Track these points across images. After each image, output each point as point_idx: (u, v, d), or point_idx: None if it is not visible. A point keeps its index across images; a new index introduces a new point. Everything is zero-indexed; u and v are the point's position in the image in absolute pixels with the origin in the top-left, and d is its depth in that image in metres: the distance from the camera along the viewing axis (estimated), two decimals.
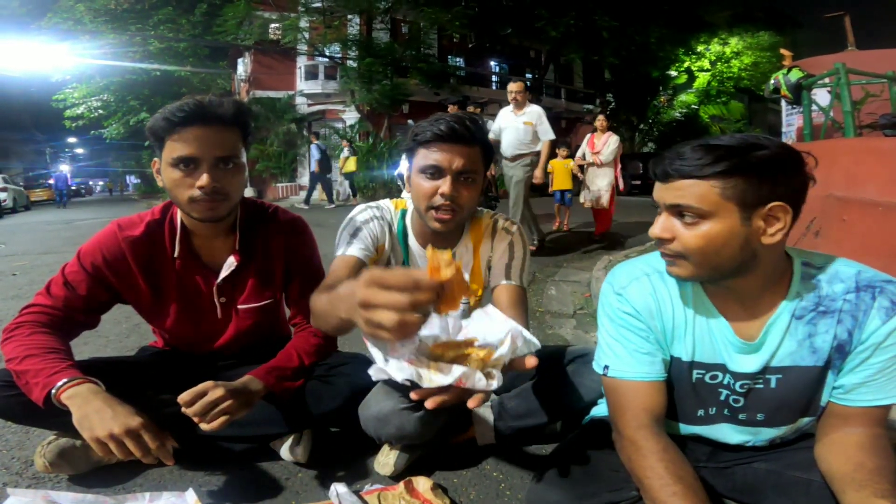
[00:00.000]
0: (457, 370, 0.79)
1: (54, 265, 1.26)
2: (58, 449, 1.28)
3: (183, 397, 1.10)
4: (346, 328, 0.95)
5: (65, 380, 1.11)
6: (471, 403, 0.82)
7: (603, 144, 5.91)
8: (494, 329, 0.92)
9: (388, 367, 0.83)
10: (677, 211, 0.88)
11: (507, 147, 4.84)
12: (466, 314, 1.10)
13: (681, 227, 0.88)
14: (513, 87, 4.79)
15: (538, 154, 4.79)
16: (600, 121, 6.06)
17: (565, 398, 1.34)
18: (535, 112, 4.74)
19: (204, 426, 1.11)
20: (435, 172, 1.23)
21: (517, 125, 4.76)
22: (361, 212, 1.38)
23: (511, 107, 4.85)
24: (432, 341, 0.92)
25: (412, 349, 0.87)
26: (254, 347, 1.46)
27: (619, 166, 6.02)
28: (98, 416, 1.06)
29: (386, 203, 1.42)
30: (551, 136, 4.75)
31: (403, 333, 0.71)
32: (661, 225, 0.91)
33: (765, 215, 0.84)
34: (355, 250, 1.30)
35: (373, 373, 0.86)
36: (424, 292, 0.71)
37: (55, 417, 1.15)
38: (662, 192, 0.90)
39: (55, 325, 1.25)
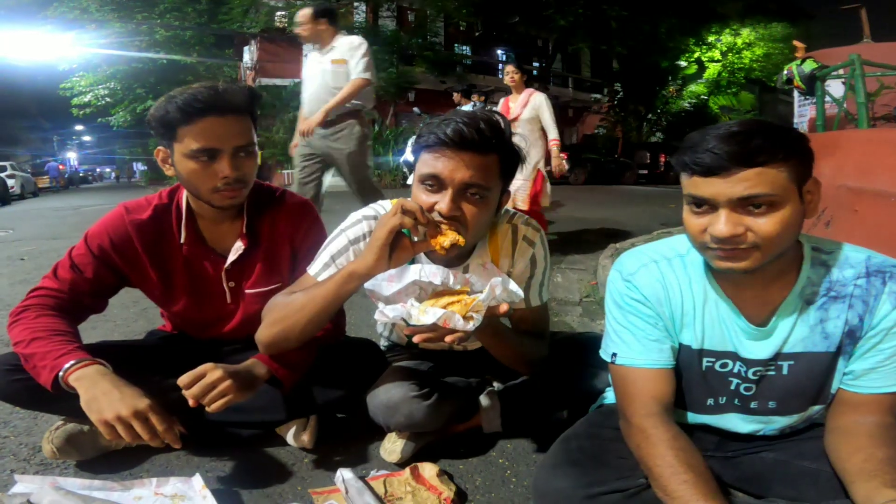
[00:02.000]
0: (438, 312, 0.94)
1: (62, 250, 1.27)
2: (65, 434, 1.28)
3: (182, 380, 1.10)
4: (335, 302, 1.09)
5: (72, 361, 1.11)
6: (448, 339, 0.95)
7: (522, 107, 4.04)
8: (486, 280, 1.03)
9: (386, 309, 0.99)
10: (745, 203, 0.82)
11: (310, 103, 3.21)
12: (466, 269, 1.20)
13: (752, 219, 0.83)
14: (303, 15, 3.20)
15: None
16: (510, 73, 4.10)
17: (573, 386, 1.33)
18: (347, 44, 3.14)
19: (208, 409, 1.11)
20: (434, 184, 1.04)
21: (323, 68, 3.16)
22: (355, 224, 1.21)
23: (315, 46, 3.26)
24: (431, 289, 1.04)
25: (413, 295, 1.04)
26: None
27: (556, 140, 4.07)
28: (106, 398, 1.06)
29: (386, 208, 1.23)
30: (364, 74, 3.09)
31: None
32: (730, 221, 0.83)
33: (806, 192, 0.86)
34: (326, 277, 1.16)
35: (377, 316, 1.01)
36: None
37: (63, 402, 1.15)
38: (723, 187, 0.82)
39: (62, 308, 1.25)
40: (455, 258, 1.22)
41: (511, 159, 1.10)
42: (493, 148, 1.05)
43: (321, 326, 1.15)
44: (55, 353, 1.12)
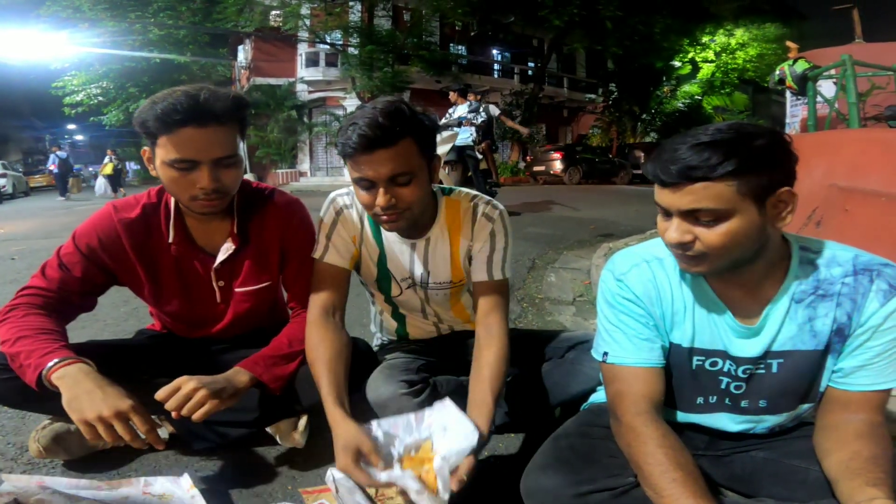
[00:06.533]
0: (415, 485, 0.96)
1: (53, 249, 1.27)
2: (52, 434, 1.27)
3: (158, 394, 1.10)
4: None
5: (56, 360, 1.10)
6: (454, 488, 0.98)
7: None
8: (450, 434, 1.04)
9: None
10: (692, 214, 0.86)
11: None
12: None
13: (700, 229, 0.86)
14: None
15: None
16: None
17: (565, 385, 1.33)
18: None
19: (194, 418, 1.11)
20: (367, 185, 1.15)
21: None
22: (336, 199, 1.34)
23: None
24: (399, 453, 1.08)
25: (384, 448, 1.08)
26: (251, 331, 1.45)
27: None
28: (88, 397, 1.05)
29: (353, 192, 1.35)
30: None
31: None
32: (679, 229, 0.88)
33: (775, 202, 0.85)
34: (335, 257, 1.32)
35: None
36: None
37: (50, 401, 1.14)
38: (673, 199, 0.86)
39: (50, 307, 1.23)
40: (415, 231, 1.33)
41: (425, 134, 1.18)
42: (400, 135, 1.11)
43: None
44: (40, 351, 1.11)
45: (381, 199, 1.13)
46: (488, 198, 1.36)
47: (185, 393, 1.10)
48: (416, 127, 1.14)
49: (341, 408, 1.12)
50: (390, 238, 1.35)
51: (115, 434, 1.04)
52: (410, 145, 1.13)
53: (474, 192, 1.38)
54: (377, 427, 1.11)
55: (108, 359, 1.20)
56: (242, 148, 1.27)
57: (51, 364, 1.09)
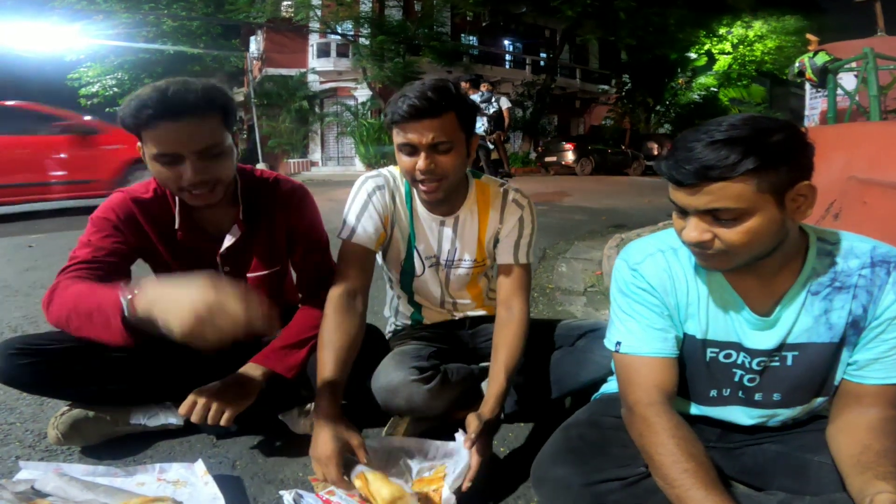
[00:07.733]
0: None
1: (69, 237, 1.29)
2: (70, 420, 1.29)
3: (181, 411, 1.17)
4: None
5: (129, 295, 1.01)
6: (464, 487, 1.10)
7: None
8: (459, 462, 1.13)
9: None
10: (710, 213, 0.84)
11: None
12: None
13: (719, 228, 0.84)
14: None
15: None
16: None
17: (575, 374, 1.33)
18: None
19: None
20: (410, 150, 1.24)
21: None
22: (367, 181, 1.38)
23: None
24: (417, 469, 1.19)
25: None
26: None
27: None
28: (175, 304, 0.91)
29: (390, 170, 1.42)
30: None
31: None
32: (698, 229, 0.85)
33: (794, 196, 0.83)
34: (364, 237, 1.34)
35: None
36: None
37: (68, 386, 1.14)
38: (690, 199, 0.84)
39: (90, 278, 1.19)
40: (446, 208, 1.39)
41: (467, 112, 1.27)
42: (445, 108, 1.21)
43: None
44: (108, 298, 1.04)
45: (421, 163, 1.22)
46: (516, 186, 1.42)
47: (201, 407, 1.16)
48: (460, 104, 1.24)
49: (337, 405, 1.19)
50: (422, 215, 1.40)
51: (219, 332, 0.90)
52: (452, 119, 1.23)
53: (502, 179, 1.44)
54: (406, 441, 1.25)
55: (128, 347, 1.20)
56: (230, 140, 1.25)
57: (129, 296, 1.01)
